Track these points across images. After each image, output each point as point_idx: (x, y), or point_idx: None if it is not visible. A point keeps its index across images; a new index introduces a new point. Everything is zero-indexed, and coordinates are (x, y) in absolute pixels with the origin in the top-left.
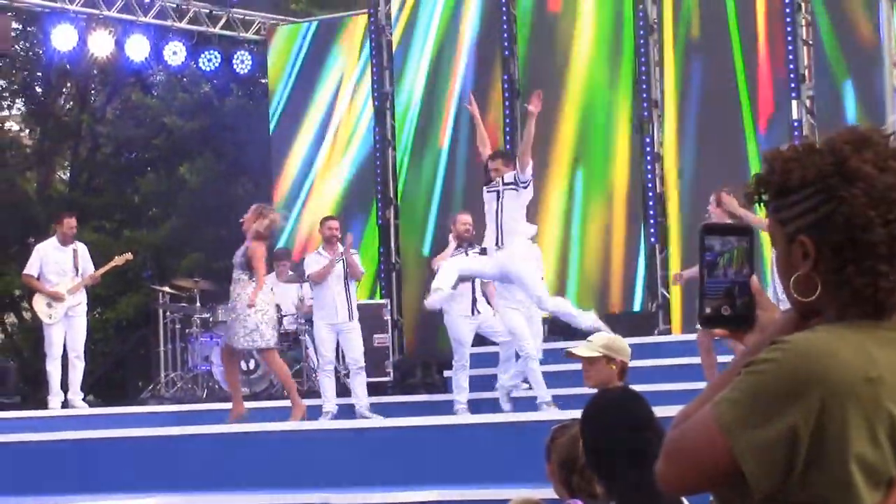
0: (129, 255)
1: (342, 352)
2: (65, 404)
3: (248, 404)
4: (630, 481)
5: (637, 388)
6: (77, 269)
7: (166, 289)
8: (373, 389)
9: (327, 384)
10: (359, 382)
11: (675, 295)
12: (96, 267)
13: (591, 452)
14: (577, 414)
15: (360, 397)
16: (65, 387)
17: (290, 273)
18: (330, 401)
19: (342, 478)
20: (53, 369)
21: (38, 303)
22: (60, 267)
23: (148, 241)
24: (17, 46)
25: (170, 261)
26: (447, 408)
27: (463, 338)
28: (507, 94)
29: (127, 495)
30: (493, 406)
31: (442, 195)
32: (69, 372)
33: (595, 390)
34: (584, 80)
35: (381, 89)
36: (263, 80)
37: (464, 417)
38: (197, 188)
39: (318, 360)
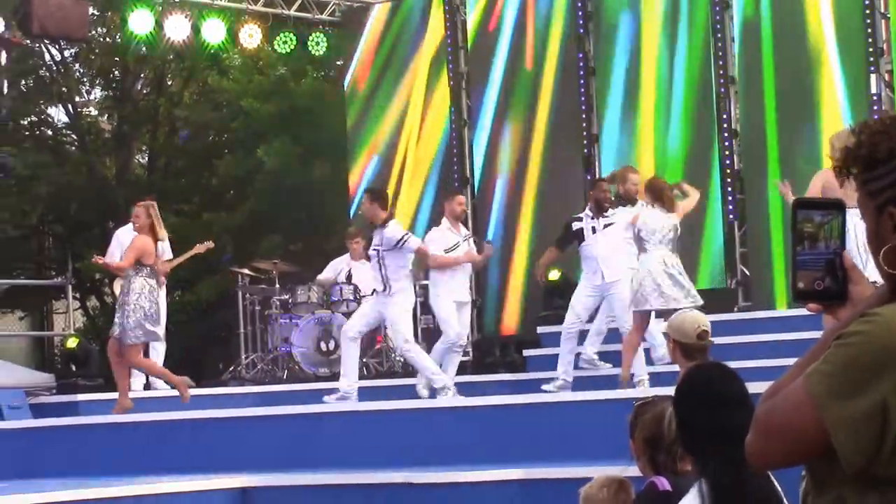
0: (209, 243)
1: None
2: (146, 386)
3: (326, 384)
4: (721, 458)
5: None
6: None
7: (245, 271)
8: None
9: (454, 361)
10: (455, 361)
11: (755, 271)
12: (173, 250)
13: (683, 428)
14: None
15: (450, 374)
16: None
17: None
18: (449, 377)
19: (424, 457)
20: None
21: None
22: None
23: (226, 223)
24: (94, 32)
25: (248, 243)
26: (527, 386)
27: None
28: (581, 72)
29: (209, 476)
30: (575, 384)
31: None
32: (150, 354)
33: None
34: (660, 55)
35: (457, 69)
36: (339, 62)
37: (546, 396)
38: (274, 170)
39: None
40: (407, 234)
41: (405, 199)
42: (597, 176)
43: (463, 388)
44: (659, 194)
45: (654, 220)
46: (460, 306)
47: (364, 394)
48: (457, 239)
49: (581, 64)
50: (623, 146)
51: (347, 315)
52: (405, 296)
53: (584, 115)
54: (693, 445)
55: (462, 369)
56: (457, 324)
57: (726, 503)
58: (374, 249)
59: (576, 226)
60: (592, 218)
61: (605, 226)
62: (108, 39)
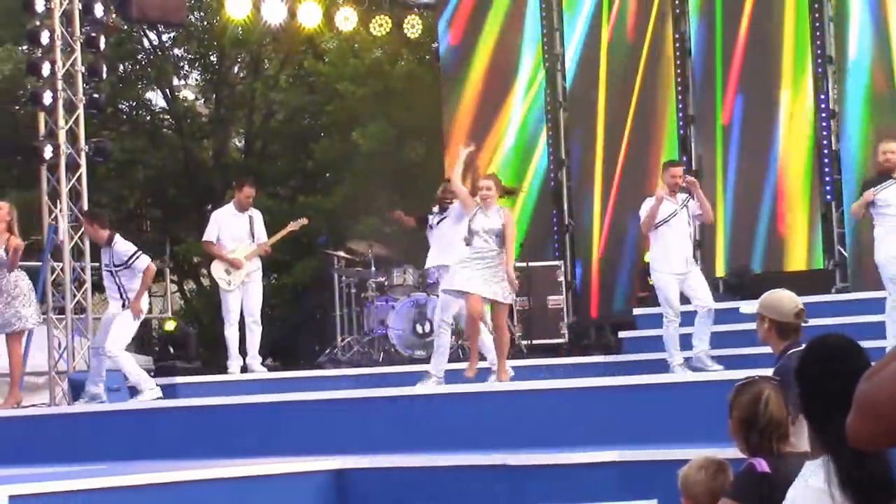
0: (304, 220)
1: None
2: (244, 369)
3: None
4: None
5: None
6: (252, 236)
7: (341, 254)
8: (547, 351)
9: (673, 337)
10: (706, 328)
11: (853, 252)
12: (270, 234)
13: (806, 400)
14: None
15: (703, 343)
16: (243, 351)
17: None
18: (677, 354)
19: (519, 439)
20: (231, 335)
21: (217, 269)
22: (236, 233)
23: (322, 206)
24: (191, 16)
25: (344, 226)
26: (622, 369)
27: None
28: (678, 52)
29: (306, 458)
30: (665, 366)
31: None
32: (247, 337)
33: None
34: (757, 35)
35: (552, 51)
36: (434, 45)
37: (643, 378)
38: (369, 153)
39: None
40: (137, 252)
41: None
42: (693, 157)
43: (558, 371)
44: None
45: None
46: (681, 277)
47: (459, 376)
48: (674, 207)
49: (677, 44)
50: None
51: None
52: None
53: (679, 96)
54: (819, 418)
55: (556, 351)
56: (675, 297)
57: (853, 477)
58: (107, 270)
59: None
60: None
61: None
62: (205, 23)
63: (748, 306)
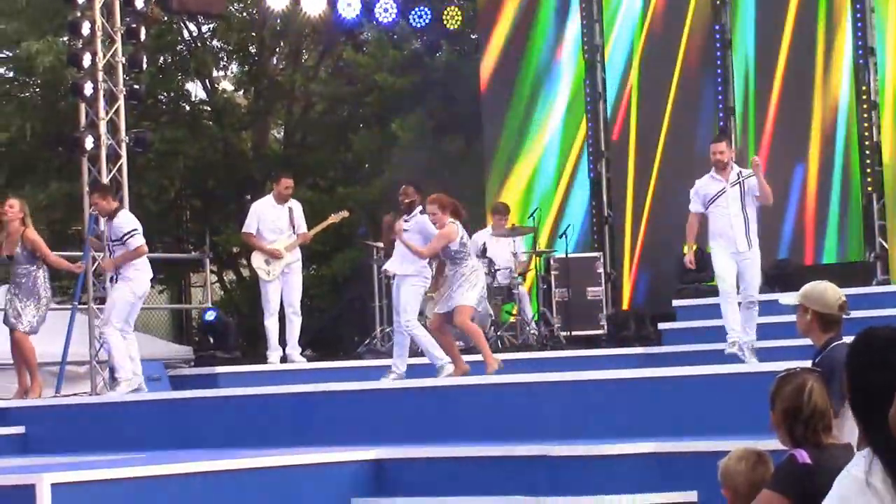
0: (345, 213)
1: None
2: (283, 359)
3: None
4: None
5: None
6: (292, 227)
7: (380, 245)
8: (586, 342)
9: (732, 313)
10: (752, 316)
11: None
12: (309, 225)
13: (853, 391)
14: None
15: (745, 334)
16: (283, 342)
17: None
18: (735, 329)
19: (559, 430)
20: (272, 325)
21: (257, 260)
22: (276, 224)
23: (361, 197)
24: (231, 8)
25: (383, 217)
26: (662, 360)
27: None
28: (718, 45)
29: (345, 448)
30: (706, 357)
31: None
32: (287, 327)
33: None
34: (799, 28)
35: (592, 41)
36: (473, 36)
37: (683, 369)
38: (408, 145)
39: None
40: (135, 229)
41: (539, 170)
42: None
43: (597, 362)
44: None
45: None
46: (737, 257)
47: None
48: (721, 185)
49: (717, 35)
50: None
51: None
52: (134, 283)
53: (720, 87)
54: (865, 410)
55: (596, 343)
56: (731, 276)
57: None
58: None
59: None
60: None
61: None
62: (244, 14)
63: (788, 297)
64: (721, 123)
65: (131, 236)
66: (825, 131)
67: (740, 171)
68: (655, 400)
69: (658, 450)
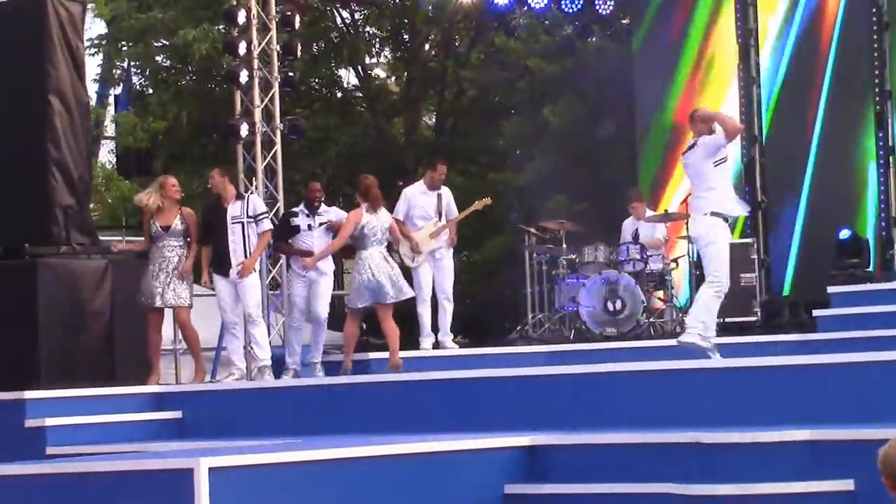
0: (487, 200)
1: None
2: (436, 345)
3: (613, 344)
4: None
5: None
6: (440, 214)
7: (532, 230)
8: (740, 329)
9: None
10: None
11: None
12: (460, 209)
13: None
14: None
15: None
16: (435, 328)
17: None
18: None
19: (711, 417)
20: (423, 311)
21: (403, 247)
22: (426, 211)
23: (513, 183)
24: None
25: (535, 203)
26: (817, 347)
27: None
28: (875, 27)
29: (498, 434)
30: (862, 345)
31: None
32: (439, 313)
33: None
34: None
35: (746, 25)
36: (625, 21)
37: (839, 356)
38: (560, 130)
39: None
40: (266, 211)
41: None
42: (891, 134)
43: (750, 349)
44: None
45: None
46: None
47: (650, 353)
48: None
49: (874, 17)
50: None
51: (634, 275)
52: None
53: (876, 71)
54: None
55: (750, 330)
56: (724, 266)
57: None
58: (237, 222)
59: None
60: None
61: None
62: (397, 1)
63: None
64: (878, 108)
65: (265, 216)
66: None
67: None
68: (811, 387)
69: (813, 437)
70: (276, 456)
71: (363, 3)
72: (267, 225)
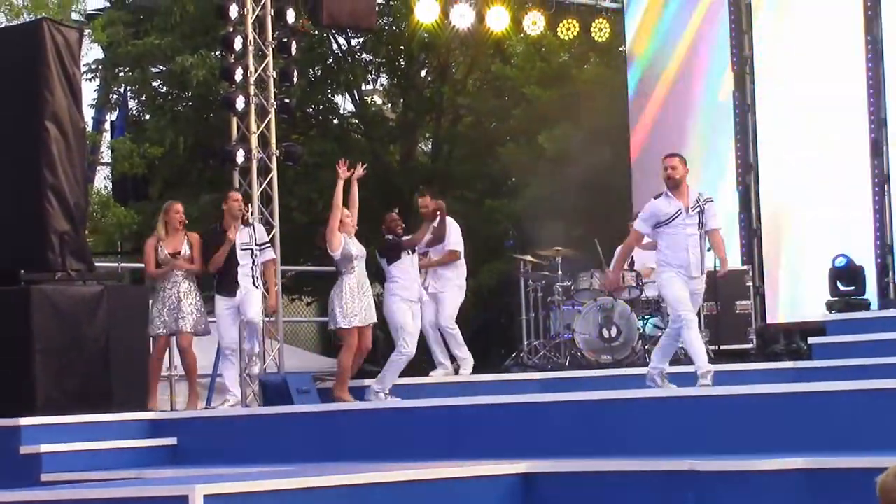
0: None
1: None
2: (456, 370)
3: (608, 371)
4: None
5: None
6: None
7: (528, 258)
8: (735, 356)
9: (698, 340)
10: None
11: None
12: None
13: None
14: None
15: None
16: (451, 356)
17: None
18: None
19: (707, 445)
20: (433, 345)
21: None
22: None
23: (509, 210)
24: (380, 21)
25: (531, 229)
26: (812, 375)
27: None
28: (870, 56)
29: (494, 461)
30: (858, 372)
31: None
32: (449, 342)
33: None
34: None
35: (741, 53)
36: (621, 49)
37: (835, 384)
38: (556, 157)
39: None
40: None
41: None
42: (887, 160)
43: (746, 377)
44: None
45: None
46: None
47: (645, 381)
48: (678, 207)
49: (869, 46)
50: None
51: (629, 302)
52: None
53: (871, 99)
54: None
55: (745, 357)
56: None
57: None
58: (246, 249)
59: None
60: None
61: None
62: (394, 28)
63: None
64: (872, 135)
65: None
66: None
67: (699, 195)
68: (807, 415)
69: (810, 465)
70: (272, 483)
71: (360, 29)
72: (271, 254)
